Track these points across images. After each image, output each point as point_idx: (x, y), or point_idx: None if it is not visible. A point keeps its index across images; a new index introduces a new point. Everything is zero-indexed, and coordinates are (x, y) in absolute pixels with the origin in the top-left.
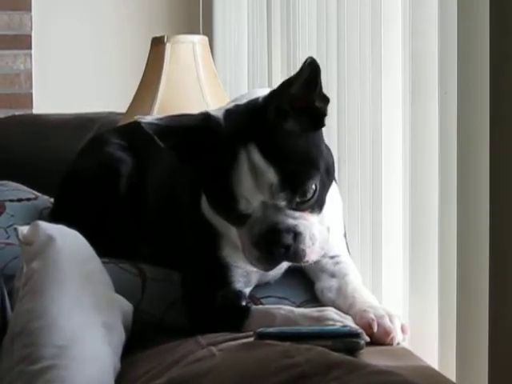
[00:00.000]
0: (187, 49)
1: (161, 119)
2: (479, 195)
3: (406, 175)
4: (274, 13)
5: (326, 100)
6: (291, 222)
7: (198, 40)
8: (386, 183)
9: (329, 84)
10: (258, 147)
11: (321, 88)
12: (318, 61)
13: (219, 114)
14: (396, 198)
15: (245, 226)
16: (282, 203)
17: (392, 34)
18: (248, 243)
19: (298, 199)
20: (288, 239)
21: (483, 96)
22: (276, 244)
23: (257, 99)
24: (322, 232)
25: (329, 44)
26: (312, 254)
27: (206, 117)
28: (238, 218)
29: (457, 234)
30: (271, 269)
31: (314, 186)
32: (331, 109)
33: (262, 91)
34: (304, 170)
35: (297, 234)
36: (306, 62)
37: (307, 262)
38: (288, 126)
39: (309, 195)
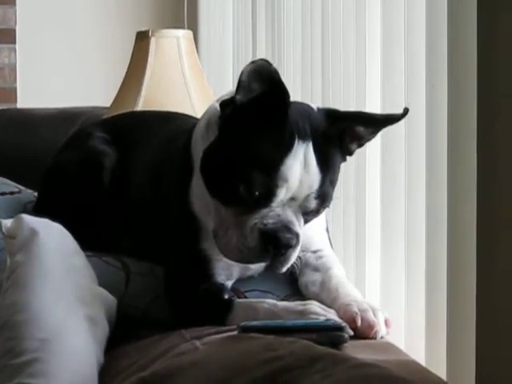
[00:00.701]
0: (172, 43)
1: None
2: (467, 185)
3: (389, 167)
4: (258, 7)
5: (361, 146)
6: (298, 229)
7: (183, 34)
8: (370, 175)
9: (313, 80)
10: (314, 150)
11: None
12: (303, 55)
13: None
14: (380, 190)
15: (256, 212)
16: (303, 209)
17: (376, 28)
18: (249, 230)
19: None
20: (293, 243)
21: (471, 90)
22: (283, 241)
23: (308, 105)
24: None
25: (313, 39)
26: (287, 266)
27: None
28: (254, 202)
29: (447, 226)
30: (247, 262)
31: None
32: (316, 101)
33: None
34: (332, 191)
35: (297, 243)
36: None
37: (282, 272)
38: (336, 147)
39: (320, 212)
